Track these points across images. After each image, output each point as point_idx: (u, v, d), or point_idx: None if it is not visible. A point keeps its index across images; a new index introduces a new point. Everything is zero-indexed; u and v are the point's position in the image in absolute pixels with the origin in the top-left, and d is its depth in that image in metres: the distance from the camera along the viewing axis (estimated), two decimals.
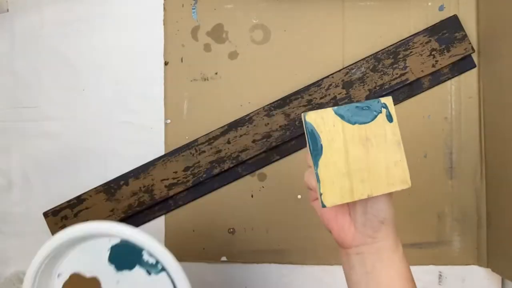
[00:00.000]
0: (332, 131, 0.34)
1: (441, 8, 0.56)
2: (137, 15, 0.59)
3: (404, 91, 0.56)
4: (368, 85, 0.54)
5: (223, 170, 0.56)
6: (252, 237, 0.57)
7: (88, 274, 0.43)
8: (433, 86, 0.56)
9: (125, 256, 0.43)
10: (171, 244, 0.58)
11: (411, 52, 0.54)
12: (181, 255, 0.58)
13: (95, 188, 0.57)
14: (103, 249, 0.43)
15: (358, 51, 0.56)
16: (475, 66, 0.56)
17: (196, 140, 0.56)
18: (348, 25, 0.57)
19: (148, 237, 0.41)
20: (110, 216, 0.56)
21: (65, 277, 0.44)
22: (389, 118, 0.35)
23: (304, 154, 0.57)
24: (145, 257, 0.43)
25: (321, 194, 0.33)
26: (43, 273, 0.42)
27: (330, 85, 0.55)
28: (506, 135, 0.51)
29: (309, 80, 0.56)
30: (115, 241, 0.43)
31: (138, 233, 0.41)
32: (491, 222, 0.54)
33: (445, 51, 0.54)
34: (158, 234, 0.58)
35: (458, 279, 0.56)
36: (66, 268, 0.44)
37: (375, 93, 0.54)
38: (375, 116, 0.35)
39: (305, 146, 0.56)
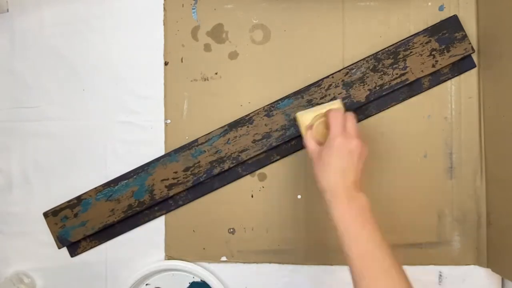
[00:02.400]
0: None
1: (441, 8, 0.56)
2: (137, 15, 0.59)
3: (404, 91, 0.56)
4: (368, 85, 0.54)
5: (223, 170, 0.56)
6: (252, 237, 0.57)
7: None
8: (433, 86, 0.56)
9: None
10: (171, 244, 0.58)
11: (411, 52, 0.54)
12: (181, 255, 0.59)
13: (95, 188, 0.57)
14: (185, 281, 0.59)
15: (358, 51, 0.56)
16: (475, 66, 0.56)
17: (196, 140, 0.56)
18: (348, 25, 0.57)
19: (219, 284, 0.56)
20: (110, 216, 0.56)
21: (151, 287, 0.59)
22: None
23: (304, 154, 0.57)
24: None
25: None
26: (138, 282, 0.58)
27: (330, 85, 0.55)
28: (506, 135, 0.51)
29: (309, 80, 0.56)
30: (197, 280, 0.58)
31: (214, 279, 0.56)
32: (491, 222, 0.54)
33: (445, 51, 0.54)
34: (158, 234, 0.58)
35: (458, 279, 0.56)
36: (154, 282, 0.59)
37: (375, 93, 0.54)
38: None
39: (304, 146, 0.56)
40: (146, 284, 0.59)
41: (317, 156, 0.47)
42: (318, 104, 0.55)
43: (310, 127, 0.51)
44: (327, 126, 0.49)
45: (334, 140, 0.46)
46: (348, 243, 0.43)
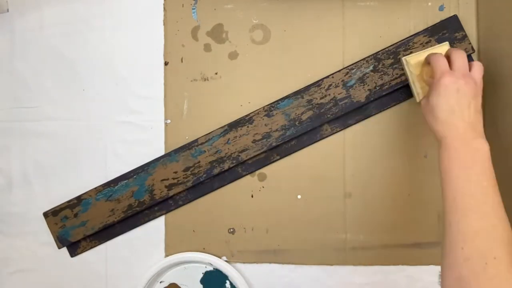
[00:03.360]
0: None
1: (441, 8, 0.56)
2: (137, 15, 0.59)
3: (404, 91, 0.56)
4: (368, 85, 0.54)
5: (223, 170, 0.56)
6: (252, 237, 0.57)
7: (183, 287, 0.58)
8: None
9: (212, 281, 0.58)
10: (171, 244, 0.58)
11: (411, 52, 0.54)
12: None
13: (95, 188, 0.57)
14: (199, 272, 0.58)
15: (358, 51, 0.56)
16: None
17: (196, 140, 0.56)
18: (348, 25, 0.57)
19: (232, 269, 0.56)
20: (110, 216, 0.56)
21: (165, 284, 0.59)
22: None
23: (304, 154, 0.57)
24: (227, 285, 0.58)
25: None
26: (152, 280, 0.58)
27: (330, 85, 0.55)
28: (506, 135, 0.51)
29: (309, 80, 0.56)
30: (209, 268, 0.58)
31: (226, 265, 0.56)
32: None
33: None
34: (158, 234, 0.58)
35: None
36: (167, 278, 0.59)
37: (375, 93, 0.54)
38: None
39: (304, 145, 0.56)
40: (160, 282, 0.58)
41: (425, 102, 0.46)
42: (318, 104, 0.55)
43: (417, 72, 0.49)
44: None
45: (439, 80, 0.44)
46: (451, 171, 0.41)
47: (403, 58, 0.52)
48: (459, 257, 0.37)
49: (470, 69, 0.46)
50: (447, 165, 0.42)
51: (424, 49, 0.52)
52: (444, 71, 0.45)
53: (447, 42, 0.51)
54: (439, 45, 0.51)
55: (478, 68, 0.46)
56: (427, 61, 0.49)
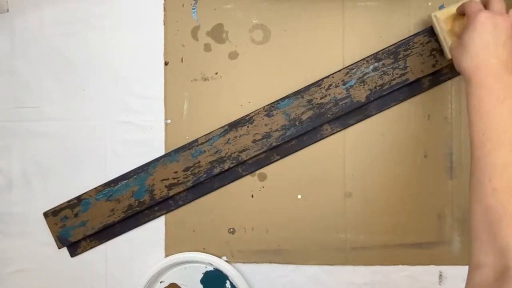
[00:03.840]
0: None
1: (441, 8, 0.56)
2: (137, 15, 0.59)
3: (404, 91, 0.56)
4: (368, 85, 0.54)
5: (223, 170, 0.56)
6: (252, 237, 0.57)
7: (183, 287, 0.58)
8: (434, 86, 0.56)
9: (212, 281, 0.58)
10: (171, 244, 0.58)
11: (411, 52, 0.54)
12: None
13: (95, 188, 0.57)
14: (199, 272, 0.58)
15: (358, 51, 0.56)
16: None
17: (196, 140, 0.56)
18: (348, 25, 0.57)
19: (233, 269, 0.56)
20: (110, 216, 0.56)
21: (165, 284, 0.59)
22: None
23: (304, 154, 0.57)
24: (227, 285, 0.58)
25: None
26: (152, 280, 0.57)
27: (330, 85, 0.55)
28: None
29: (309, 80, 0.56)
30: (209, 268, 0.58)
31: (226, 265, 0.56)
32: None
33: None
34: (158, 234, 0.58)
35: (458, 279, 0.56)
36: (167, 278, 0.59)
37: (375, 93, 0.54)
38: None
39: (305, 145, 0.56)
40: (160, 282, 0.58)
41: (456, 45, 0.46)
42: (318, 104, 0.55)
43: (447, 28, 0.50)
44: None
45: (475, 16, 0.43)
46: (482, 107, 0.41)
47: (432, 15, 0.51)
48: (488, 188, 0.38)
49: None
50: (477, 102, 0.41)
51: (453, 5, 0.51)
52: (478, 9, 0.44)
53: None
54: None
55: (497, 2, 0.46)
56: (458, 13, 0.49)
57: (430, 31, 0.54)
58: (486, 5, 0.47)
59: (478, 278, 0.37)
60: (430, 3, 0.56)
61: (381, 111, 0.56)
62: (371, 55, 0.55)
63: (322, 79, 0.55)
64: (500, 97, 0.40)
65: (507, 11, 0.46)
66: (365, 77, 0.54)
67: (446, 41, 0.51)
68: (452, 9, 0.51)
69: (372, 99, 0.54)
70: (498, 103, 0.40)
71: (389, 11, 0.57)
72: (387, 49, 0.55)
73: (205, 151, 0.56)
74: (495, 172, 0.38)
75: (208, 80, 0.58)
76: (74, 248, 0.59)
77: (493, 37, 0.43)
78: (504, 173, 0.38)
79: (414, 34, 0.55)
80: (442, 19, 0.51)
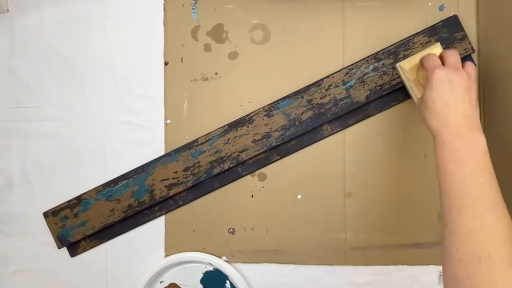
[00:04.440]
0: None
1: (441, 8, 0.56)
2: (137, 15, 0.59)
3: (404, 91, 0.56)
4: (368, 85, 0.54)
5: (223, 170, 0.56)
6: (252, 237, 0.57)
7: (183, 287, 0.58)
8: None
9: (212, 281, 0.58)
10: (171, 244, 0.58)
11: (411, 52, 0.54)
12: None
13: (95, 188, 0.57)
14: (199, 272, 0.58)
15: (358, 51, 0.56)
16: (475, 66, 0.56)
17: (196, 140, 0.56)
18: (348, 25, 0.57)
19: (233, 269, 0.56)
20: (110, 216, 0.56)
21: (165, 284, 0.59)
22: None
23: (304, 154, 0.57)
24: (227, 285, 0.58)
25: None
26: (152, 280, 0.57)
27: (330, 85, 0.55)
28: (506, 135, 0.51)
29: (309, 80, 0.56)
30: (209, 268, 0.58)
31: (226, 265, 0.56)
32: None
33: None
34: (158, 234, 0.58)
35: None
36: (167, 278, 0.59)
37: (375, 93, 0.54)
38: None
39: (304, 145, 0.56)
40: (160, 282, 0.58)
41: (420, 100, 0.46)
42: (318, 104, 0.55)
43: (412, 78, 0.50)
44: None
45: (431, 74, 0.44)
46: (446, 166, 0.40)
47: (397, 65, 0.51)
48: (454, 257, 0.37)
49: (463, 67, 0.46)
50: (442, 162, 0.41)
51: (417, 52, 0.51)
52: (436, 66, 0.44)
53: (438, 43, 0.50)
54: (430, 46, 0.50)
55: (470, 65, 0.47)
56: (422, 64, 0.49)
57: (430, 31, 0.54)
58: (442, 61, 0.47)
59: None
60: (430, 3, 0.56)
61: (381, 111, 0.56)
62: (371, 55, 0.55)
63: (322, 79, 0.55)
64: (463, 158, 0.40)
65: (463, 64, 0.46)
66: (365, 77, 0.54)
67: (413, 90, 0.50)
68: (416, 58, 0.50)
69: (372, 99, 0.54)
70: (461, 165, 0.40)
71: (389, 11, 0.57)
72: (387, 49, 0.55)
73: (205, 151, 0.56)
74: (461, 240, 0.37)
75: (208, 80, 0.58)
76: (74, 248, 0.59)
77: (451, 94, 0.42)
78: (469, 242, 0.37)
79: (414, 34, 0.55)
80: (407, 70, 0.50)
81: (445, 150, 0.41)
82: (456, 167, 0.40)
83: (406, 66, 0.51)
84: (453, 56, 0.46)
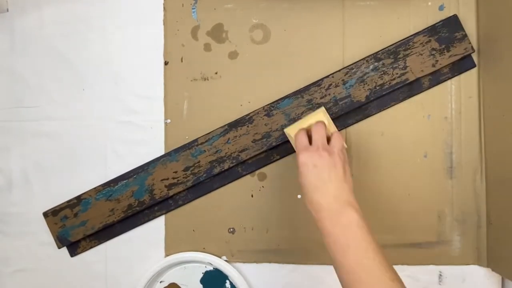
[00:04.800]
0: None
1: (441, 8, 0.56)
2: (137, 15, 0.59)
3: (404, 91, 0.56)
4: (368, 85, 0.54)
5: (223, 170, 0.56)
6: (252, 237, 0.57)
7: (183, 286, 0.58)
8: (433, 86, 0.56)
9: (212, 281, 0.58)
10: (171, 244, 0.58)
11: (411, 51, 0.54)
12: None
13: (95, 188, 0.57)
14: (199, 272, 0.58)
15: (358, 51, 0.56)
16: (475, 66, 0.56)
17: (196, 140, 0.56)
18: (348, 25, 0.57)
19: (232, 269, 0.56)
20: (110, 216, 0.56)
21: (165, 284, 0.59)
22: None
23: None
24: (227, 285, 0.58)
25: None
26: (152, 280, 0.57)
27: (330, 85, 0.55)
28: (506, 135, 0.51)
29: (309, 80, 0.56)
30: (209, 268, 0.58)
31: (226, 265, 0.56)
32: (491, 222, 0.54)
33: (445, 51, 0.54)
34: (158, 234, 0.58)
35: (458, 279, 0.56)
36: (167, 278, 0.59)
37: (375, 93, 0.54)
38: None
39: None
40: (160, 282, 0.58)
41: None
42: (318, 103, 0.55)
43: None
44: None
45: (298, 158, 0.44)
46: (335, 258, 0.41)
47: (285, 130, 0.51)
48: None
49: (329, 141, 0.46)
50: (329, 250, 0.41)
51: (302, 117, 0.52)
52: (300, 149, 0.44)
53: (322, 107, 0.51)
54: (314, 112, 0.50)
55: (336, 137, 0.46)
56: (308, 129, 0.49)
57: (430, 31, 0.54)
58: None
59: None
60: (430, 3, 0.56)
61: (381, 111, 0.56)
62: (371, 55, 0.55)
63: (322, 79, 0.55)
64: (344, 246, 0.40)
65: (330, 135, 0.46)
66: (365, 77, 0.55)
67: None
68: (301, 124, 0.50)
69: (372, 99, 0.54)
70: (345, 255, 0.40)
71: (389, 11, 0.57)
72: (387, 49, 0.55)
73: (205, 151, 0.56)
74: None
75: (208, 79, 0.58)
76: (74, 248, 0.59)
77: (318, 178, 0.42)
78: None
79: (414, 34, 0.55)
80: (293, 136, 0.50)
81: (329, 241, 0.41)
82: (342, 257, 0.40)
83: (292, 133, 0.50)
84: (317, 133, 0.46)
